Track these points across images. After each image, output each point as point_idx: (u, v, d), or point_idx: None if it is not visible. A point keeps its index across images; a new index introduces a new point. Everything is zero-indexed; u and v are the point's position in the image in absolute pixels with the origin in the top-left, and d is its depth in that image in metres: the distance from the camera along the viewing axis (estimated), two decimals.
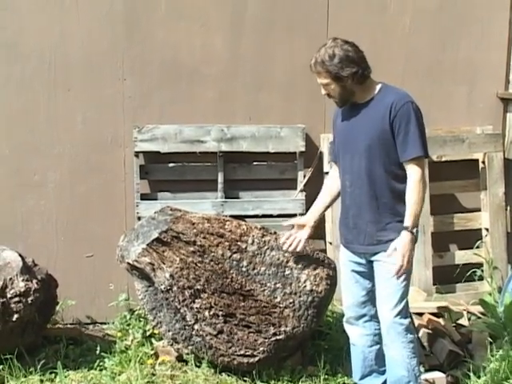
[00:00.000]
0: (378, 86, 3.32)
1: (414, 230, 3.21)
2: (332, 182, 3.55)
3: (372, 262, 3.36)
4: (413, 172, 3.21)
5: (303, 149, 4.65)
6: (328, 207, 3.65)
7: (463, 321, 4.52)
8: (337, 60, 3.19)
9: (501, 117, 4.99)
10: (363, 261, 3.41)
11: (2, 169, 4.49)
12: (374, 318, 3.51)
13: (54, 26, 4.42)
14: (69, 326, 4.51)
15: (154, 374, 3.86)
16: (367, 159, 3.26)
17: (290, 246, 3.61)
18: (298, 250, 3.61)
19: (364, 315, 3.51)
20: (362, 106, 3.30)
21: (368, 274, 3.42)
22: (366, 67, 3.26)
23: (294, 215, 4.69)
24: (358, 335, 3.55)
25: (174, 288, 3.68)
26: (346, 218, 3.42)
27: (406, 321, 3.36)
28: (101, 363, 3.96)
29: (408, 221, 3.21)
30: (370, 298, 3.47)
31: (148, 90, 4.57)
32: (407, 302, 3.38)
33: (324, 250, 4.65)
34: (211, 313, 3.70)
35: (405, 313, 3.35)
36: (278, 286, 3.75)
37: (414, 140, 3.19)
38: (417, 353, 3.42)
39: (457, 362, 4.01)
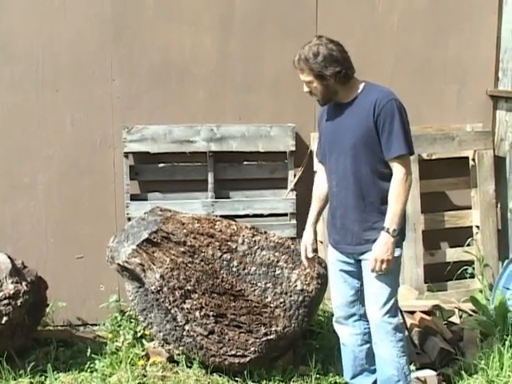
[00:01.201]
0: (362, 85, 3.30)
1: (392, 230, 3.18)
2: (319, 188, 3.54)
3: (360, 261, 3.36)
4: (397, 171, 3.20)
5: (293, 148, 4.64)
6: (322, 211, 3.62)
7: (454, 319, 4.53)
8: (320, 58, 3.17)
9: (490, 114, 5.00)
10: (351, 260, 3.40)
11: None
12: (364, 317, 3.50)
13: (43, 27, 4.41)
14: (59, 327, 4.50)
15: (145, 375, 3.85)
16: (353, 158, 3.25)
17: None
18: (310, 255, 3.57)
19: (353, 314, 3.50)
20: (345, 105, 3.29)
21: (356, 273, 3.41)
22: (349, 67, 3.24)
23: (285, 215, 4.69)
24: (347, 335, 3.54)
25: (165, 289, 3.67)
26: (334, 219, 3.41)
27: (395, 320, 3.35)
28: (91, 365, 3.95)
29: (387, 221, 3.20)
30: (359, 297, 3.47)
31: (137, 90, 4.56)
32: (396, 301, 3.38)
33: (315, 250, 4.63)
34: (202, 313, 3.69)
35: (393, 312, 3.35)
36: (268, 285, 3.75)
37: (397, 138, 3.17)
38: (406, 352, 3.42)
39: (448, 359, 4.01)
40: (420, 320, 4.24)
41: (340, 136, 3.29)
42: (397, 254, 3.26)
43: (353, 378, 3.59)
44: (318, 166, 3.60)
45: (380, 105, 3.17)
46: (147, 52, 4.53)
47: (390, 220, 3.19)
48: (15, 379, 3.73)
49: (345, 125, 3.28)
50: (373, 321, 3.36)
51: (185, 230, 3.74)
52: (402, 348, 3.36)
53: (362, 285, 3.43)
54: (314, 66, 3.19)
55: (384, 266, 3.20)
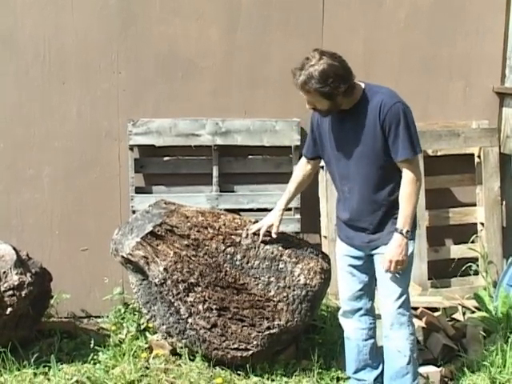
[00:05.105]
0: (362, 87, 3.23)
1: (405, 231, 3.20)
2: (297, 179, 3.61)
3: (372, 255, 3.37)
4: (406, 172, 3.19)
5: (298, 143, 4.63)
6: (292, 201, 3.72)
7: (458, 315, 4.53)
8: (330, 80, 3.05)
9: (497, 111, 4.98)
10: (362, 254, 3.41)
11: None
12: (370, 311, 3.53)
13: (49, 19, 4.40)
14: (63, 319, 4.51)
15: (147, 368, 3.86)
16: (364, 163, 3.23)
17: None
18: (274, 235, 3.67)
19: (360, 309, 3.52)
20: (348, 111, 3.23)
21: (365, 267, 3.43)
22: (352, 78, 3.16)
23: (289, 209, 4.68)
24: (353, 329, 3.56)
25: (168, 281, 3.68)
26: (346, 222, 3.41)
27: (409, 312, 3.39)
28: (95, 357, 3.97)
29: (399, 222, 3.21)
30: (366, 291, 3.49)
31: (143, 83, 4.55)
32: (408, 295, 3.40)
33: (319, 244, 4.65)
34: (205, 306, 3.70)
35: (407, 305, 3.38)
36: (271, 279, 3.75)
37: (404, 142, 3.14)
38: (416, 346, 3.44)
39: (451, 356, 4.01)
40: (423, 316, 4.23)
41: (347, 142, 3.26)
42: (409, 249, 3.28)
43: (355, 372, 3.60)
44: (302, 159, 3.61)
45: (385, 109, 3.13)
46: (153, 45, 4.53)
47: (403, 221, 3.20)
48: (19, 370, 3.74)
49: (351, 131, 3.23)
50: (387, 313, 3.38)
51: (189, 224, 3.75)
52: (413, 341, 3.40)
53: (369, 279, 3.46)
54: (323, 89, 3.07)
55: (399, 266, 3.23)
